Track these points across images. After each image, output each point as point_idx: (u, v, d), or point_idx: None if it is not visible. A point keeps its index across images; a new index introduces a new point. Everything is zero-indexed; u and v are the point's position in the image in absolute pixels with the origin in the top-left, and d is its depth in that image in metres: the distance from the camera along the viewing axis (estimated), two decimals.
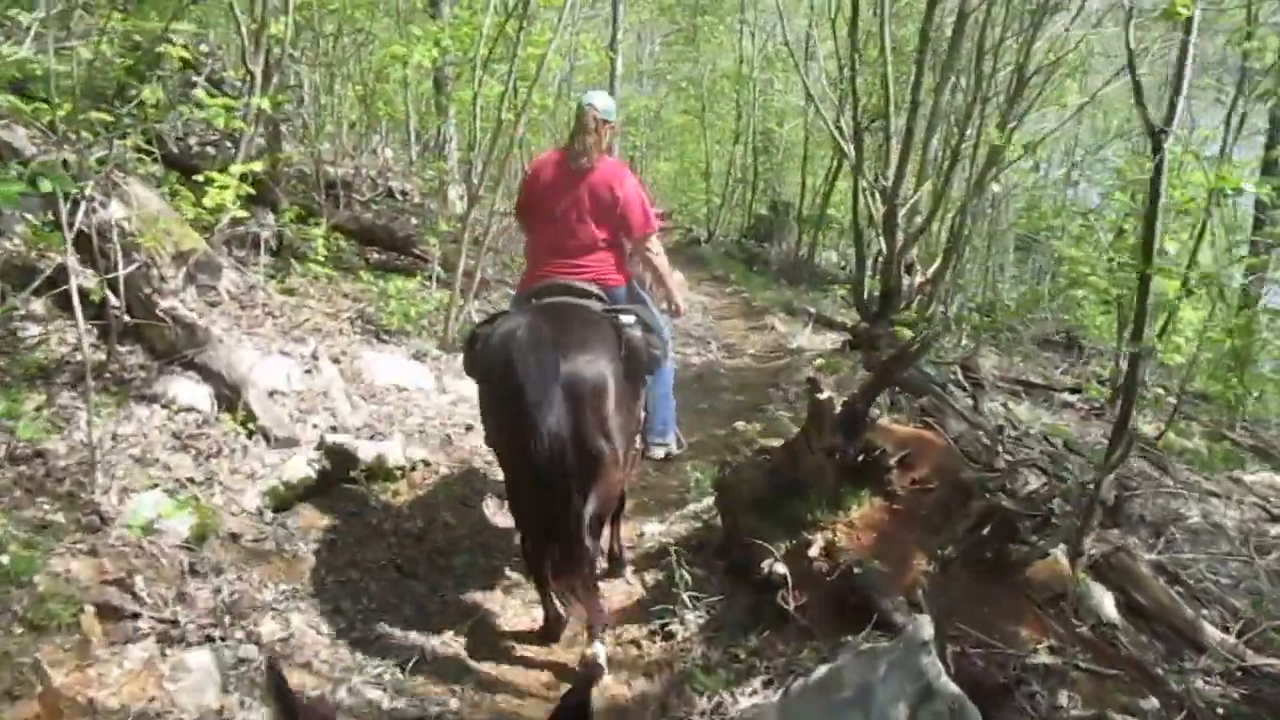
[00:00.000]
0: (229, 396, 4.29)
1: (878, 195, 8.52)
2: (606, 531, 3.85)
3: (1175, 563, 4.33)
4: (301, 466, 4.04)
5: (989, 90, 7.33)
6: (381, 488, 4.42)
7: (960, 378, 7.97)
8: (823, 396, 3.55)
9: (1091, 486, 3.23)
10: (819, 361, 8.26)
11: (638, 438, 4.12)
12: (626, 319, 3.59)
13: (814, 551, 3.23)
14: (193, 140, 8.94)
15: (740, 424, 6.82)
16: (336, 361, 5.65)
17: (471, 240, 7.12)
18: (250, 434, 4.20)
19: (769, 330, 10.24)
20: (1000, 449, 3.60)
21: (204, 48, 10.29)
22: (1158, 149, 3.29)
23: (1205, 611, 3.92)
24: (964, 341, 9.46)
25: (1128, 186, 10.76)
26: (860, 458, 3.44)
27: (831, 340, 10.12)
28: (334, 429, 4.73)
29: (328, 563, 3.71)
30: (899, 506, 3.34)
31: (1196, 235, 10.53)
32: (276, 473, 3.96)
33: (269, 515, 3.81)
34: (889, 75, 8.15)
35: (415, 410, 5.59)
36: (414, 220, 10.21)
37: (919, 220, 8.84)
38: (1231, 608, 4.07)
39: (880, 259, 8.68)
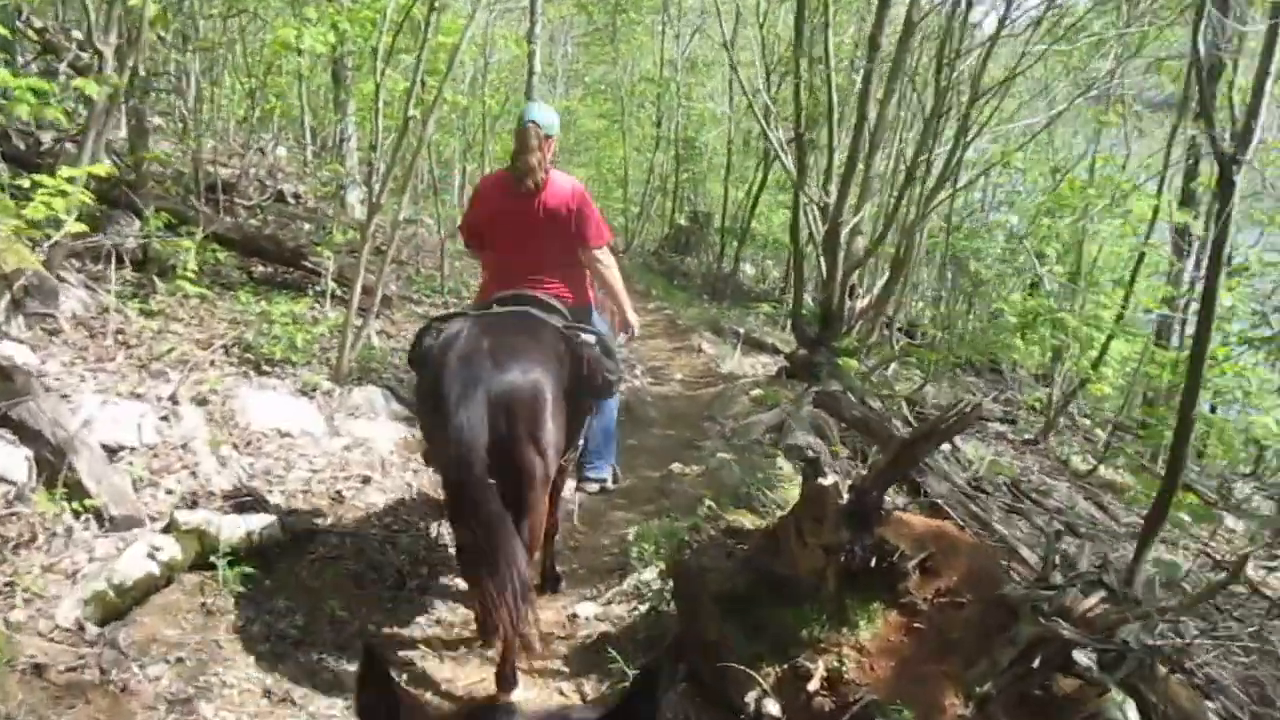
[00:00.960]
0: (52, 462, 3.35)
1: (818, 212, 7.93)
2: (535, 556, 3.66)
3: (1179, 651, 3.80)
4: (141, 559, 3.11)
5: (946, 104, 6.78)
6: (252, 576, 3.52)
7: (907, 413, 7.42)
8: (826, 483, 2.83)
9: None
10: (756, 392, 7.60)
11: (570, 465, 4.08)
12: (587, 338, 3.58)
13: (814, 684, 2.52)
14: (48, 136, 7.78)
15: (676, 465, 6.09)
16: (204, 403, 4.71)
17: (373, 251, 6.22)
18: (77, 514, 3.27)
19: (697, 352, 9.55)
20: (1054, 555, 2.88)
21: (77, 34, 9.09)
22: (1227, 177, 2.68)
23: (1210, 704, 3.42)
24: (895, 370, 8.94)
25: (1052, 210, 10.48)
26: (870, 560, 2.73)
27: (763, 364, 9.49)
28: (194, 498, 3.82)
29: (170, 694, 2.81)
30: (921, 625, 2.65)
31: (1133, 266, 10.36)
32: (107, 569, 3.03)
33: (92, 631, 2.88)
34: (831, 83, 7.57)
35: (300, 461, 4.68)
36: (308, 228, 9.20)
37: (860, 240, 8.28)
38: (1238, 699, 3.58)
39: (820, 281, 8.08)
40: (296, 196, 10.51)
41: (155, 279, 5.83)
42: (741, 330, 10.09)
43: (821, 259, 8.05)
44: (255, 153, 11.56)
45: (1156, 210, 9.06)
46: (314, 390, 5.46)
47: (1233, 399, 8.80)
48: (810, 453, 5.84)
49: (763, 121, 8.01)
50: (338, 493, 4.52)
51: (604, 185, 18.01)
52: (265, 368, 5.51)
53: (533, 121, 3.71)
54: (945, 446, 7.30)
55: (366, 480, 4.78)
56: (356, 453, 5.05)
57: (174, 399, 4.40)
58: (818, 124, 8.19)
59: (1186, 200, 10.39)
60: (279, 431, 4.85)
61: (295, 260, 7.44)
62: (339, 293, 6.82)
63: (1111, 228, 9.70)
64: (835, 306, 8.01)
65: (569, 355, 3.41)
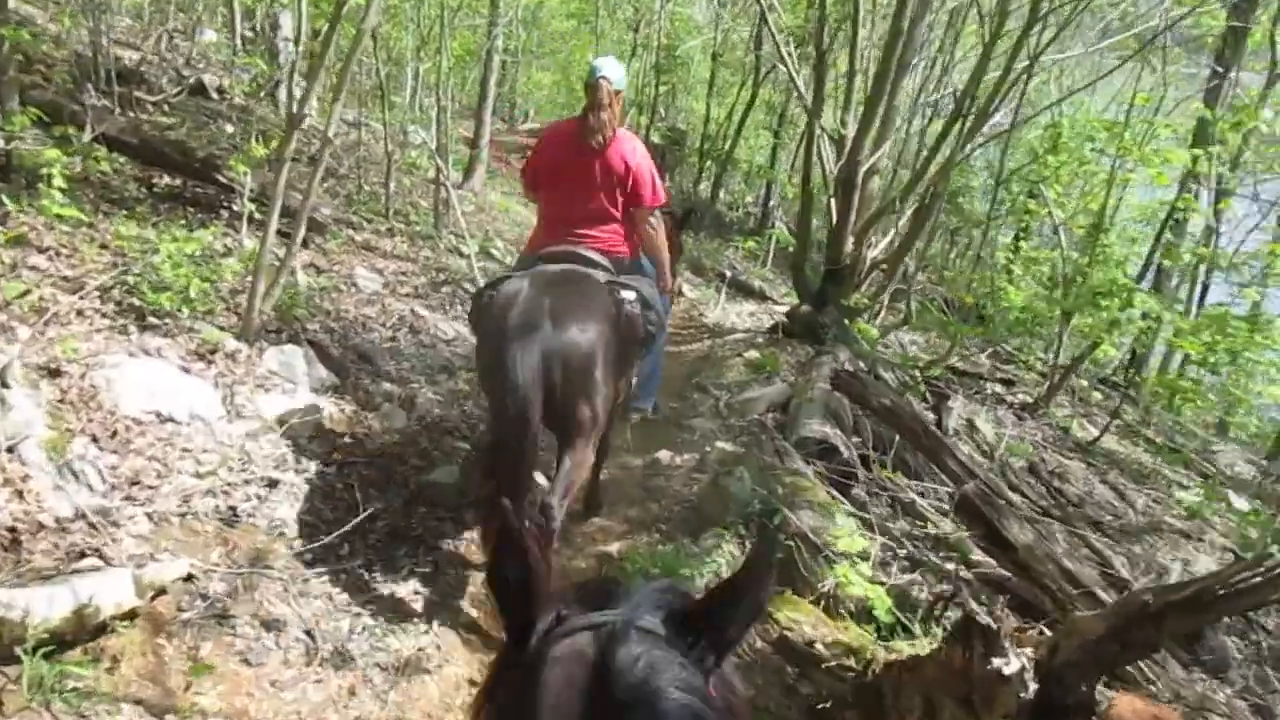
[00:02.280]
0: None
1: (829, 147, 6.78)
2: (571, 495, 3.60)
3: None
4: None
5: (1003, 26, 5.58)
6: (81, 668, 2.41)
7: (923, 388, 6.43)
8: (1008, 669, 1.76)
9: None
10: (750, 354, 6.55)
11: (620, 410, 4.24)
12: (627, 294, 3.69)
13: None
14: None
15: (663, 453, 5.05)
16: (54, 375, 3.52)
17: (307, 162, 4.98)
18: None
19: (676, 295, 8.43)
20: None
21: None
22: None
23: None
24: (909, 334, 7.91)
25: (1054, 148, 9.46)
26: None
27: (751, 313, 8.42)
28: (10, 538, 2.67)
29: None
30: None
31: (1163, 219, 9.39)
32: None
33: None
34: None
35: (184, 461, 3.53)
36: (230, 130, 7.79)
37: (875, 182, 7.16)
38: None
39: (829, 228, 6.97)
40: (220, 91, 9.00)
41: (23, 195, 4.55)
42: (727, 274, 8.99)
43: (833, 202, 6.93)
44: (171, 36, 10.02)
45: (1196, 159, 8.02)
46: (213, 353, 4.28)
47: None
48: (827, 444, 4.84)
49: (774, 30, 6.77)
50: (230, 511, 3.39)
51: (571, 93, 16.50)
52: (152, 320, 4.31)
53: (604, 77, 3.82)
54: (961, 422, 6.40)
55: (273, 485, 3.65)
56: (264, 441, 3.90)
57: (3, 375, 3.20)
58: (836, 40, 6.96)
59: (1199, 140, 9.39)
60: (159, 416, 3.68)
61: (207, 173, 6.11)
62: (259, 216, 5.58)
63: (1141, 176, 8.70)
64: (846, 258, 6.93)
65: (615, 311, 3.58)
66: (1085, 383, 11.20)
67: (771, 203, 14.30)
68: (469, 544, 3.81)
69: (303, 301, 5.34)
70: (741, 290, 8.89)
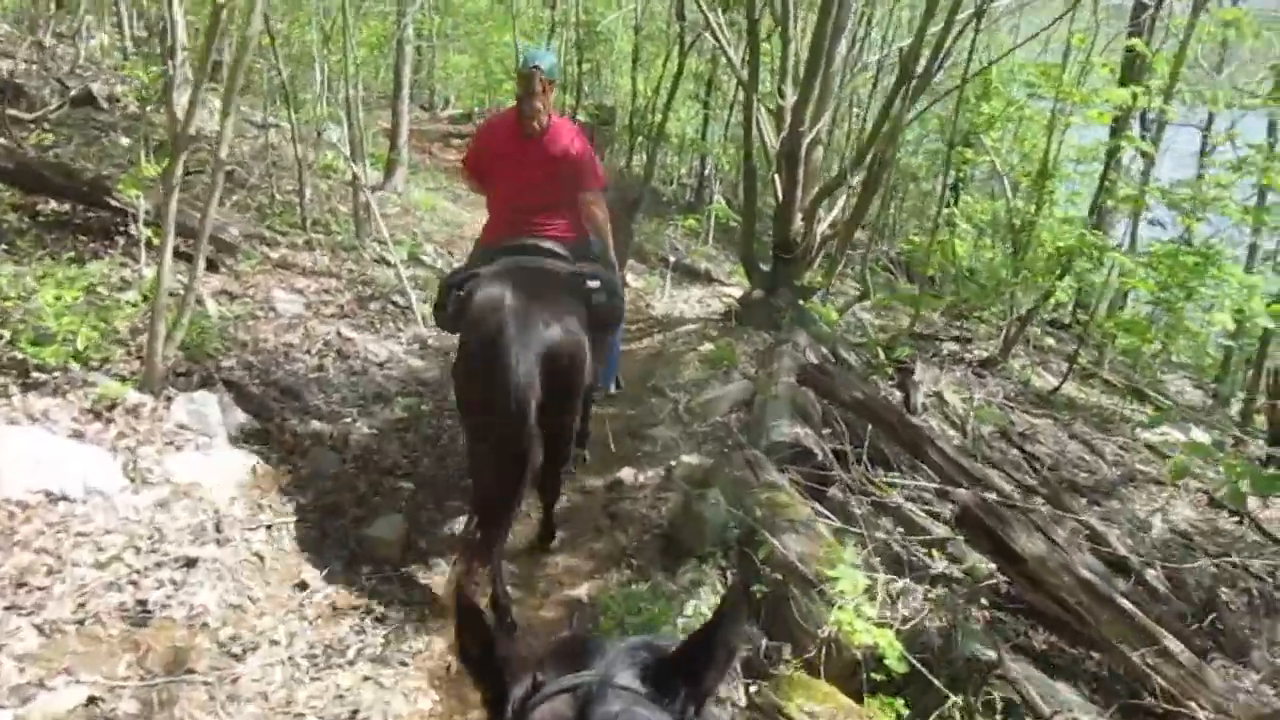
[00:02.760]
0: None
1: (768, 119, 6.42)
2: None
3: None
4: None
5: None
6: None
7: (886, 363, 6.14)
8: None
9: None
10: (706, 347, 6.18)
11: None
12: (592, 284, 3.78)
13: None
14: None
15: (625, 472, 4.67)
16: None
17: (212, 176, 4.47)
18: None
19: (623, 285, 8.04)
20: None
21: None
22: None
23: None
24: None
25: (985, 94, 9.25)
26: None
27: (699, 299, 8.06)
28: None
29: None
30: None
31: (1105, 162, 9.21)
32: None
33: None
34: None
35: (79, 552, 3.06)
36: (126, 144, 7.16)
37: (819, 153, 6.82)
38: None
39: (776, 205, 6.62)
40: (112, 100, 8.33)
41: None
42: (671, 259, 8.61)
43: (776, 177, 6.58)
44: (53, 40, 9.27)
45: (1135, 95, 7.78)
46: (112, 408, 3.78)
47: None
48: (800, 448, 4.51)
49: (701, 1, 6.35)
50: (140, 605, 2.93)
51: (490, 75, 15.89)
52: (37, 377, 3.80)
53: (536, 66, 3.86)
54: (929, 394, 6.13)
55: (190, 564, 3.19)
56: (177, 511, 3.43)
57: None
58: (768, 7, 6.57)
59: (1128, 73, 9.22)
60: (48, 495, 3.20)
61: (97, 196, 5.54)
62: (159, 241, 5.04)
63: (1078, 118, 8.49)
64: (795, 235, 6.59)
65: (587, 303, 3.71)
66: (1038, 329, 11.09)
67: (706, 174, 13.92)
68: (422, 609, 3.40)
69: (215, 335, 4.84)
70: (687, 274, 8.52)
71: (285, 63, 6.73)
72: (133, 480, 3.45)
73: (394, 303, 6.19)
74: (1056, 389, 7.82)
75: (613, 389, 5.26)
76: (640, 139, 12.70)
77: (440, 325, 4.05)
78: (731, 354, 5.95)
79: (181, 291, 4.30)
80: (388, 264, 6.56)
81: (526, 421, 3.27)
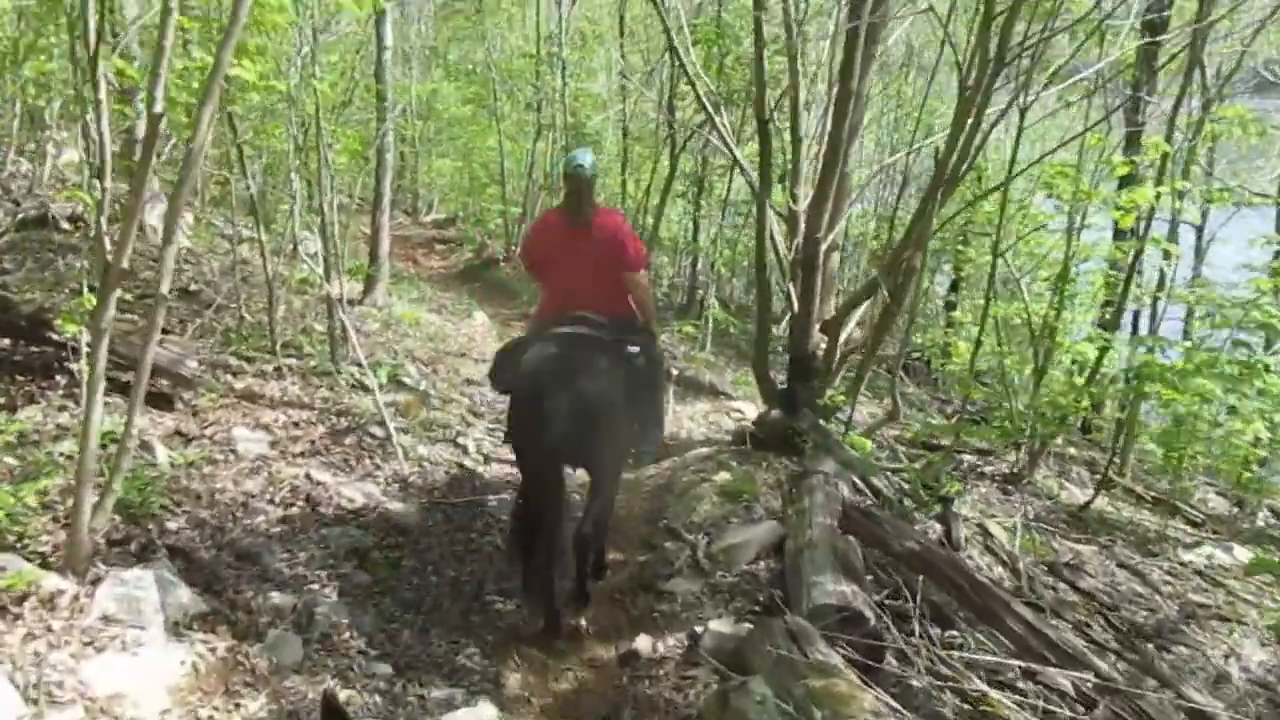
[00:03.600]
0: None
1: (776, 225, 5.92)
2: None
3: None
4: None
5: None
6: None
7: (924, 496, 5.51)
8: None
9: None
10: (722, 477, 5.54)
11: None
12: (632, 349, 4.30)
13: None
14: None
15: (642, 641, 3.96)
16: None
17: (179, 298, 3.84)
18: None
19: None
20: None
21: None
22: None
23: None
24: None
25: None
26: None
27: (706, 415, 7.45)
28: None
29: None
30: None
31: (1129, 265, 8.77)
32: None
33: None
34: (796, 51, 5.58)
35: None
36: (83, 267, 6.58)
37: (835, 258, 6.30)
38: None
39: (792, 317, 6.07)
40: (75, 220, 7.80)
41: None
42: (674, 371, 8.03)
43: (791, 287, 6.05)
44: (16, 158, 8.80)
45: (1159, 197, 7.36)
46: (24, 600, 3.09)
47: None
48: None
49: (705, 102, 5.92)
50: None
51: (475, 180, 15.58)
52: None
53: (580, 166, 4.27)
54: (973, 529, 5.50)
55: None
56: None
57: None
58: (776, 107, 6.14)
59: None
60: None
61: (37, 332, 4.93)
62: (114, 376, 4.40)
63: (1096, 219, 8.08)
64: (813, 350, 6.03)
65: (626, 365, 4.22)
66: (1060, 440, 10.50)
67: (699, 276, 13.51)
68: None
69: (160, 490, 4.18)
70: (691, 388, 7.92)
71: (255, 175, 6.23)
72: (35, 703, 2.74)
73: (371, 435, 5.55)
74: (1087, 505, 7.19)
75: (649, 460, 5.43)
76: None
77: (494, 388, 4.71)
78: (752, 486, 5.32)
79: (108, 443, 3.65)
80: (365, 389, 5.94)
81: (560, 461, 4.03)
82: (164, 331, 6.05)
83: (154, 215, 8.45)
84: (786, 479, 5.54)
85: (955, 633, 4.20)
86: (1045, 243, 8.87)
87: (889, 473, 5.51)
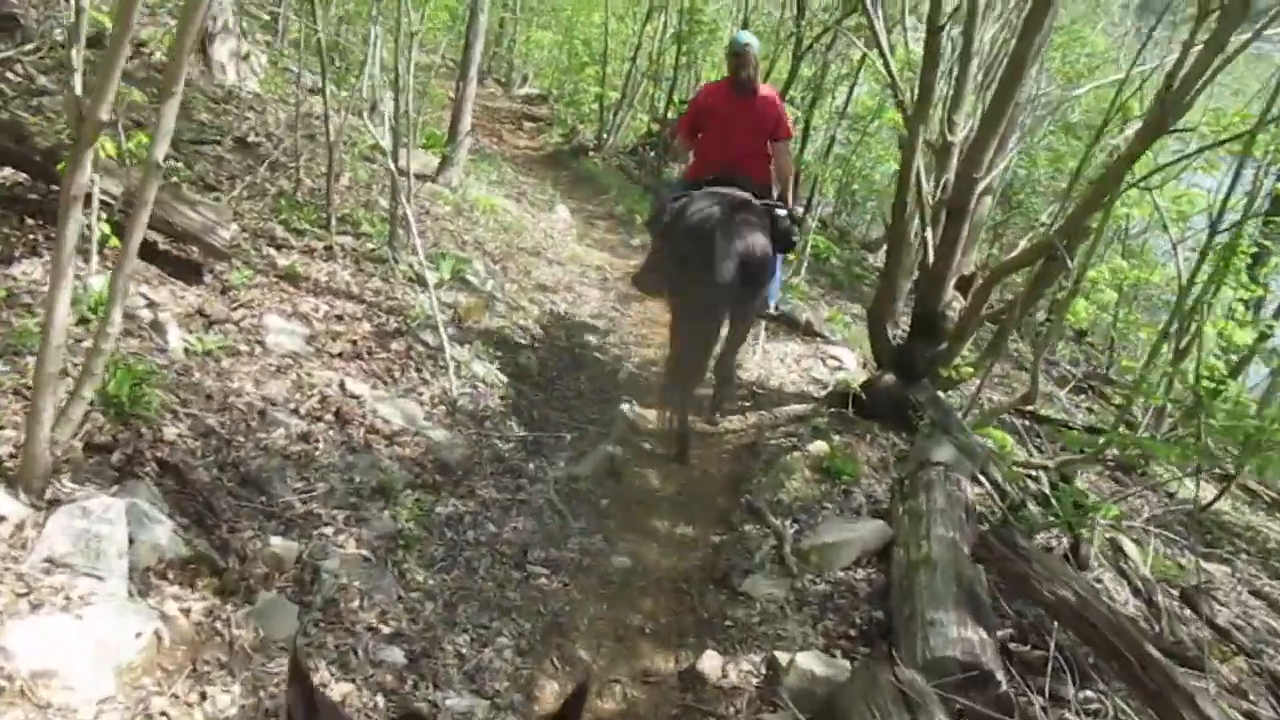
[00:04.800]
0: None
1: (928, 158, 4.94)
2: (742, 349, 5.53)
3: None
4: None
5: None
6: None
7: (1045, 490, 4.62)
8: None
9: None
10: (816, 446, 4.70)
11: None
12: (779, 211, 4.86)
13: None
14: None
15: (709, 659, 3.23)
16: None
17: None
18: None
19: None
20: None
21: None
22: None
23: None
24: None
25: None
26: None
27: (799, 360, 6.57)
28: None
29: None
30: None
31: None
32: None
33: None
34: None
35: None
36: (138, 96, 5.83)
37: (987, 203, 5.32)
38: None
39: (925, 268, 5.12)
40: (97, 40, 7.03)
41: None
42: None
43: (929, 233, 5.09)
44: None
45: None
46: None
47: None
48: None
49: None
50: None
51: (575, 57, 14.45)
52: None
53: (747, 44, 4.97)
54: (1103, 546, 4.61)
55: None
56: None
57: None
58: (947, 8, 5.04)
59: None
60: None
61: (52, 170, 4.21)
62: (118, 244, 3.69)
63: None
64: (944, 310, 5.10)
65: (773, 225, 4.73)
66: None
67: (800, 196, 12.39)
68: None
69: (165, 383, 3.49)
70: (783, 323, 7.03)
71: (327, 17, 5.37)
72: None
73: (423, 342, 4.81)
74: (1208, 506, 6.20)
75: (773, 308, 5.54)
76: None
77: (652, 234, 5.47)
78: (853, 465, 4.49)
79: (111, 330, 2.94)
80: (423, 285, 5.18)
81: (727, 300, 4.52)
82: (208, 188, 5.35)
83: (224, 50, 7.69)
84: (895, 462, 4.70)
85: (1093, 694, 3.40)
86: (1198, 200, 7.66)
87: (1027, 476, 4.61)
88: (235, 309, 4.35)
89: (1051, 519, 4.13)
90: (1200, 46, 3.59)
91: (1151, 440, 4.51)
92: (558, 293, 6.73)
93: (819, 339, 7.02)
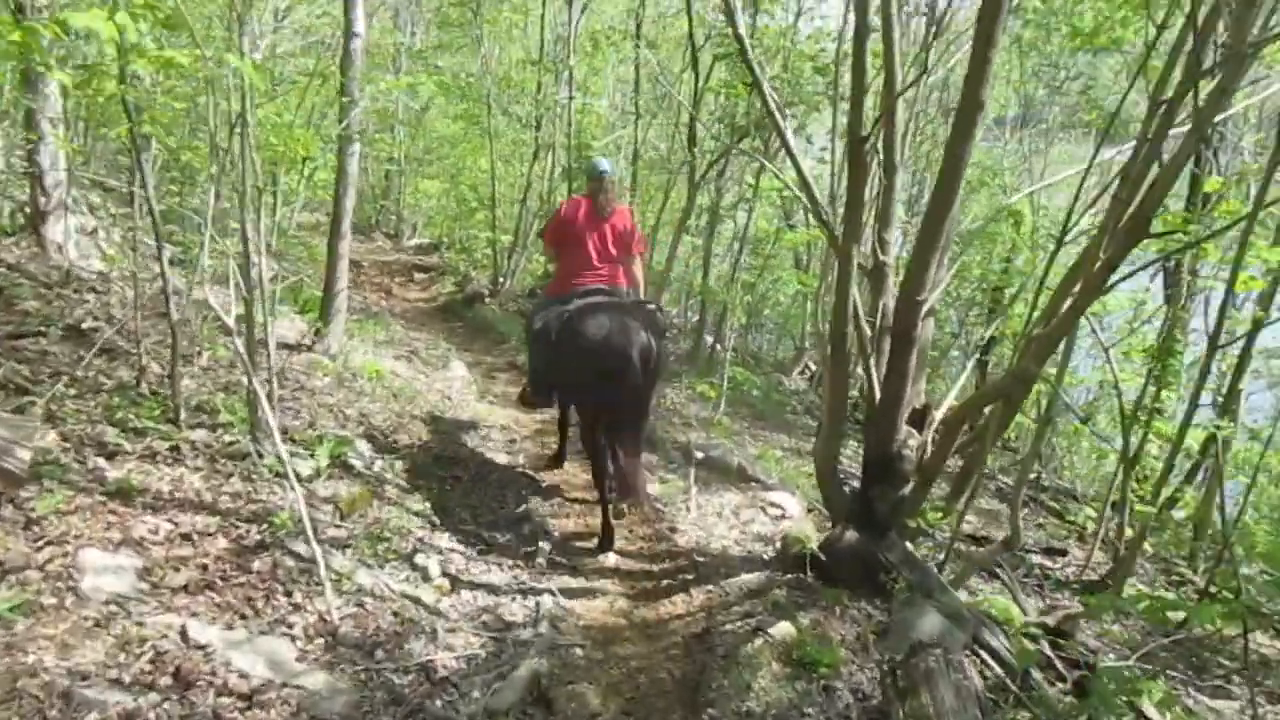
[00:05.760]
0: None
1: (860, 282, 4.41)
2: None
3: None
4: None
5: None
6: None
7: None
8: None
9: None
10: (782, 630, 3.94)
11: None
12: (651, 308, 5.38)
13: None
14: None
15: None
16: None
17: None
18: None
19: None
20: None
21: None
22: None
23: None
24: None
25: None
26: None
27: (738, 511, 5.84)
28: None
29: None
30: None
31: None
32: None
33: None
34: (894, 51, 4.14)
35: None
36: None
37: (930, 326, 4.81)
38: None
39: (871, 404, 4.52)
40: None
41: None
42: (698, 454, 6.45)
43: (873, 364, 4.52)
44: None
45: None
46: None
47: None
48: None
49: (771, 99, 4.40)
50: None
51: (463, 204, 14.00)
52: None
53: (604, 172, 5.60)
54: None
55: None
56: None
57: None
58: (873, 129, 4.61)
59: None
60: None
61: None
62: None
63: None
64: (898, 450, 4.48)
65: (651, 320, 5.14)
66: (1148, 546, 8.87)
67: (706, 324, 12.00)
68: None
69: None
70: (715, 471, 6.34)
71: (151, 174, 4.64)
72: None
73: (294, 554, 3.94)
74: (1182, 624, 5.58)
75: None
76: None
77: (536, 349, 5.61)
78: (831, 653, 3.74)
79: None
80: (294, 478, 4.31)
81: (648, 383, 5.01)
82: (20, 392, 4.45)
83: (58, 229, 6.84)
84: (875, 639, 3.96)
85: None
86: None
87: (1025, 635, 3.92)
88: (40, 548, 3.42)
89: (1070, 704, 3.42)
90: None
91: (1183, 602, 3.88)
92: (458, 464, 5.91)
93: (754, 484, 6.33)
